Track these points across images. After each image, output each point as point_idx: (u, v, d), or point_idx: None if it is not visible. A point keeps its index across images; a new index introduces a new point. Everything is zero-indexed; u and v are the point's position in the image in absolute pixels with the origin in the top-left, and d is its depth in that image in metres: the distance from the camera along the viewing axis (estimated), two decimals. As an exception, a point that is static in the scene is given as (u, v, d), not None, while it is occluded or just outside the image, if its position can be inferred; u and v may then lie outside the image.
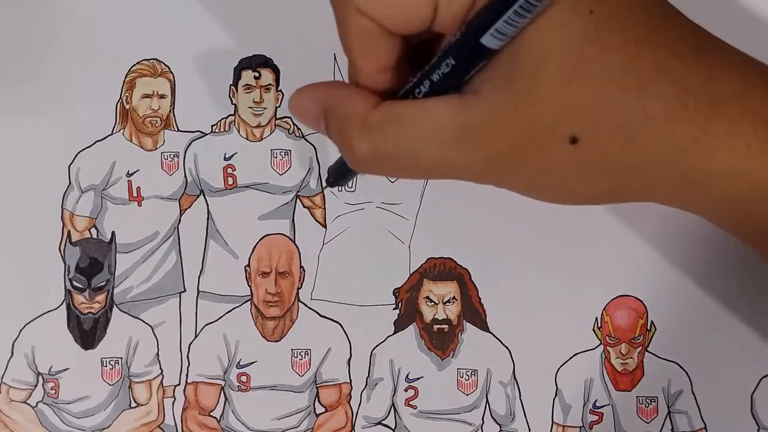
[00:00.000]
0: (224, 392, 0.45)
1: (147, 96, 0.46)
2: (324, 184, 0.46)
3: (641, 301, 0.44)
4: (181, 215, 0.46)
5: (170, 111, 0.46)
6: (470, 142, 0.31)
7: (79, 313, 0.45)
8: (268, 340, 0.45)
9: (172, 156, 0.46)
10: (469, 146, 0.31)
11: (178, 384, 0.45)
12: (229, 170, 0.46)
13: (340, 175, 0.40)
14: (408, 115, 0.32)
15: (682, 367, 0.44)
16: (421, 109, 0.32)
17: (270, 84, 0.46)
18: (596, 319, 0.44)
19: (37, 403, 0.45)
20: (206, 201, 0.46)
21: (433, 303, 0.45)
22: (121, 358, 0.45)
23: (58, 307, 0.45)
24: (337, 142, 0.34)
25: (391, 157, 0.32)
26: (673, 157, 0.30)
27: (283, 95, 0.46)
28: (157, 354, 0.45)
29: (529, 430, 0.44)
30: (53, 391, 0.45)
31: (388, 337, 0.45)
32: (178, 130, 0.46)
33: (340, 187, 0.46)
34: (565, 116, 0.30)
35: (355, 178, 0.45)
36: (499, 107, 0.30)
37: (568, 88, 0.29)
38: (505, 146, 0.31)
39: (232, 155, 0.46)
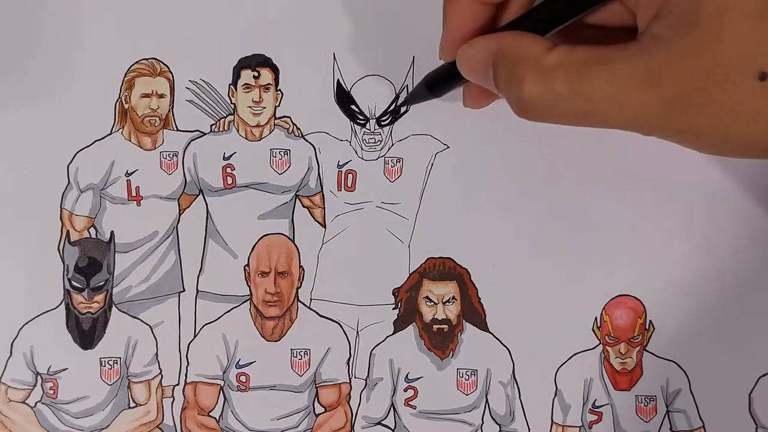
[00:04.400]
0: (223, 392, 0.45)
1: (146, 95, 0.46)
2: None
3: (640, 301, 0.44)
4: (180, 215, 0.46)
5: (169, 110, 0.46)
6: (653, 85, 0.32)
7: (77, 312, 0.45)
8: (268, 340, 0.45)
9: (171, 155, 0.46)
10: (651, 89, 0.32)
11: (177, 384, 0.45)
12: (229, 170, 0.46)
13: (439, 87, 0.41)
14: (588, 59, 0.33)
15: (680, 367, 0.44)
16: (600, 54, 0.33)
17: (269, 83, 0.46)
18: (595, 318, 0.44)
19: (36, 403, 0.45)
20: (205, 200, 0.46)
21: (432, 303, 0.45)
22: (120, 357, 0.45)
23: (56, 307, 0.45)
24: (506, 85, 0.35)
25: (563, 99, 0.33)
26: None
27: (282, 95, 0.46)
28: (156, 354, 0.45)
29: (529, 430, 0.44)
30: (52, 391, 0.45)
31: (387, 337, 0.45)
32: (177, 130, 0.46)
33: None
34: (755, 52, 0.31)
35: (354, 176, 0.45)
36: (684, 49, 0.31)
37: (760, 24, 0.30)
38: (690, 87, 0.32)
39: (232, 155, 0.46)
